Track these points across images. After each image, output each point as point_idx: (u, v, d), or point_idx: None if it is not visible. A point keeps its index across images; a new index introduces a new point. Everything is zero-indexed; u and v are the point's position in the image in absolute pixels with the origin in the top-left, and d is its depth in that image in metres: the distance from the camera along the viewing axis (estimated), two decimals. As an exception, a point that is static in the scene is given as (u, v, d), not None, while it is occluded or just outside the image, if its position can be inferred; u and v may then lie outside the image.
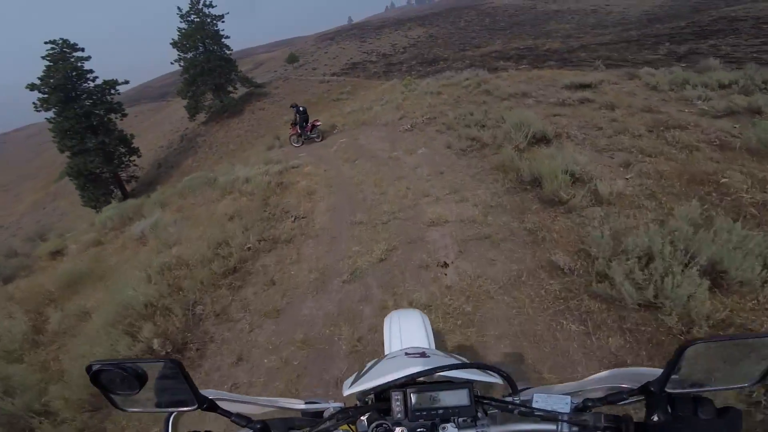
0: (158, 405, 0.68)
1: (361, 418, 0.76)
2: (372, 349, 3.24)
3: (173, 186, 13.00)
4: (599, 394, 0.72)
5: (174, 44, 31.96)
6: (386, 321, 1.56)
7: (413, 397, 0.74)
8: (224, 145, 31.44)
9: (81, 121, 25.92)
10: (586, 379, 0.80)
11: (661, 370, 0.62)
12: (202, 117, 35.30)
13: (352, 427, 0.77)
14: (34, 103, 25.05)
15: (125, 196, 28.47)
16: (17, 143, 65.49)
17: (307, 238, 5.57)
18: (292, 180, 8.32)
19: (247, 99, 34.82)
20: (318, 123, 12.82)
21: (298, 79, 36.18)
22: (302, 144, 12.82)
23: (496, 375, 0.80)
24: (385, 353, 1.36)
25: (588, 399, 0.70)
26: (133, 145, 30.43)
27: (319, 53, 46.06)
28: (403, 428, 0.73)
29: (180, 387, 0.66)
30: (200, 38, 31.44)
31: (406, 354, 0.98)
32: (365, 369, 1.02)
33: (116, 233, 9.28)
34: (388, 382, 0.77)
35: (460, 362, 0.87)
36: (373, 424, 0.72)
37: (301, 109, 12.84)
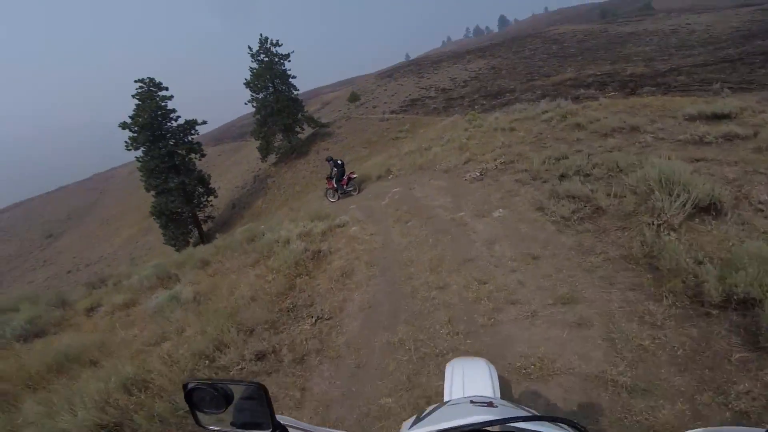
0: (237, 426, 0.69)
1: None
2: None
3: (224, 239, 11.92)
4: None
5: (246, 84, 32.55)
6: (448, 368, 1.42)
7: None
8: (291, 186, 31.35)
9: (165, 161, 26.52)
10: None
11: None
12: (273, 158, 35.79)
13: None
14: (126, 141, 26.20)
15: (201, 235, 29.02)
16: (121, 179, 72.06)
17: (324, 359, 3.60)
18: (332, 247, 6.51)
19: (313, 139, 34.91)
20: (354, 176, 11.91)
21: (359, 118, 35.79)
22: (338, 199, 11.82)
23: (570, 428, 0.71)
24: (445, 399, 1.23)
25: None
26: (210, 186, 31.05)
27: (379, 91, 45.82)
28: None
29: (260, 410, 0.67)
30: (269, 78, 31.81)
31: (471, 402, 0.89)
32: (425, 413, 0.93)
33: (149, 294, 8.07)
34: (451, 428, 0.70)
35: (533, 414, 0.77)
36: None
37: (339, 162, 12.06)
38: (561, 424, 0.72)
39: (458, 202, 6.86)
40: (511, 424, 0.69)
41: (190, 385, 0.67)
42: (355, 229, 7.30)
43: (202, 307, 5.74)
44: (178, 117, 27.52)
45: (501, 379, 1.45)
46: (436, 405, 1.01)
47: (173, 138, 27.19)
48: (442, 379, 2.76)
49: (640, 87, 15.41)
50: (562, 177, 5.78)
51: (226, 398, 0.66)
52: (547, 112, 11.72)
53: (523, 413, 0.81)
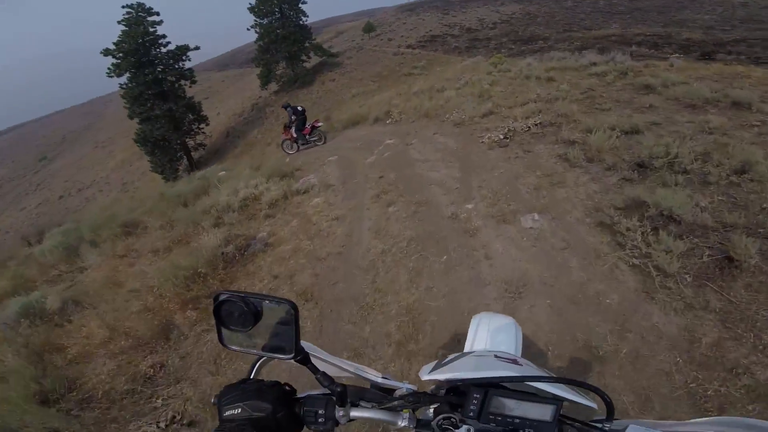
0: (259, 348, 0.64)
1: (429, 407, 0.70)
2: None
3: (179, 184, 9.74)
4: None
5: (251, 9, 28.95)
6: (474, 320, 1.29)
7: (494, 400, 0.64)
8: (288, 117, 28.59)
9: (151, 87, 24.35)
10: (698, 419, 0.64)
11: None
12: (275, 87, 32.63)
13: (415, 412, 0.70)
14: (108, 68, 23.65)
15: (191, 163, 27.12)
16: (119, 103, 68.48)
17: None
18: (272, 236, 4.38)
19: (319, 69, 31.40)
20: (319, 124, 9.95)
21: (371, 50, 31.88)
22: (297, 150, 9.92)
23: (589, 398, 0.68)
24: (465, 351, 1.13)
25: None
26: (202, 113, 28.55)
27: (398, 24, 40.84)
28: (470, 427, 0.64)
29: (286, 333, 0.62)
30: (276, 2, 27.93)
31: (496, 356, 0.83)
32: (447, 359, 0.86)
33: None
34: (475, 378, 0.67)
35: (559, 377, 0.66)
36: (441, 416, 0.65)
37: (299, 108, 9.98)
38: (588, 391, 0.65)
39: (468, 180, 4.59)
40: (531, 383, 0.63)
41: (222, 297, 0.59)
42: (318, 201, 5.11)
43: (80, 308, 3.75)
44: (168, 43, 24.90)
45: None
46: (458, 354, 0.91)
47: (161, 64, 24.78)
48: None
49: (713, 53, 12.05)
50: (641, 167, 3.45)
51: (255, 315, 0.59)
52: (596, 65, 8.88)
53: (546, 374, 0.72)
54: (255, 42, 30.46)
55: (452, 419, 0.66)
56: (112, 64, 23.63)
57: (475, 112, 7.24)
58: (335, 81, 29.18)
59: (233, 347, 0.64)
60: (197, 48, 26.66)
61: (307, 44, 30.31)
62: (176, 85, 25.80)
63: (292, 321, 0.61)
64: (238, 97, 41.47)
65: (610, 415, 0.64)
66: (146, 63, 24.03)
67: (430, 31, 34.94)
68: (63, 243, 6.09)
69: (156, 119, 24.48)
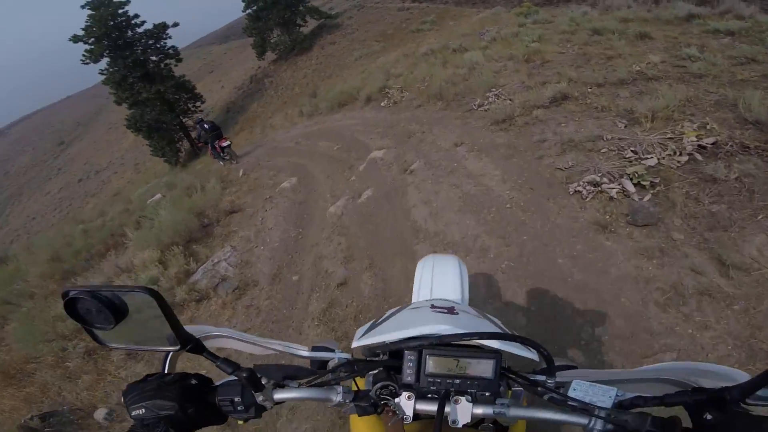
0: (139, 342, 0.55)
1: (369, 375, 0.58)
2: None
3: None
4: (656, 389, 0.52)
5: None
6: (419, 265, 1.16)
7: (430, 361, 0.53)
8: (289, 87, 25.13)
9: (133, 70, 21.10)
10: (643, 367, 0.55)
11: (743, 374, 0.46)
12: (273, 56, 28.44)
13: (360, 381, 0.60)
14: (83, 55, 20.31)
15: (193, 144, 24.35)
16: None
17: None
18: None
19: (318, 33, 26.94)
20: (225, 143, 7.60)
21: (374, 7, 26.93)
22: (225, 162, 7.73)
23: (532, 350, 0.56)
24: (412, 301, 1.02)
25: (640, 397, 0.48)
26: (196, 91, 25.10)
27: (401, -24, 34.91)
28: (410, 394, 0.53)
29: (162, 322, 0.50)
30: (261, -34, 23.42)
31: (432, 307, 0.69)
32: (383, 317, 0.73)
33: None
34: (401, 340, 0.55)
35: (492, 331, 0.57)
36: (378, 385, 0.54)
37: (206, 126, 7.95)
38: (518, 344, 0.55)
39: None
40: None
41: (72, 294, 0.47)
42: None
43: None
44: (144, 22, 21.38)
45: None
46: (396, 309, 0.78)
47: (140, 45, 21.38)
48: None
49: None
50: None
51: (115, 311, 0.47)
52: (699, 17, 4.98)
53: (486, 325, 0.63)
54: (243, 11, 25.96)
55: (390, 386, 0.54)
56: (86, 51, 20.49)
57: (530, 94, 3.75)
58: (336, 44, 24.87)
59: (113, 345, 0.53)
60: (177, 24, 22.80)
61: (301, 8, 25.66)
62: (161, 65, 22.42)
63: (158, 309, 0.48)
64: (240, 69, 37.41)
65: (551, 368, 0.55)
66: (123, 45, 20.80)
67: None
68: None
69: (146, 102, 21.36)
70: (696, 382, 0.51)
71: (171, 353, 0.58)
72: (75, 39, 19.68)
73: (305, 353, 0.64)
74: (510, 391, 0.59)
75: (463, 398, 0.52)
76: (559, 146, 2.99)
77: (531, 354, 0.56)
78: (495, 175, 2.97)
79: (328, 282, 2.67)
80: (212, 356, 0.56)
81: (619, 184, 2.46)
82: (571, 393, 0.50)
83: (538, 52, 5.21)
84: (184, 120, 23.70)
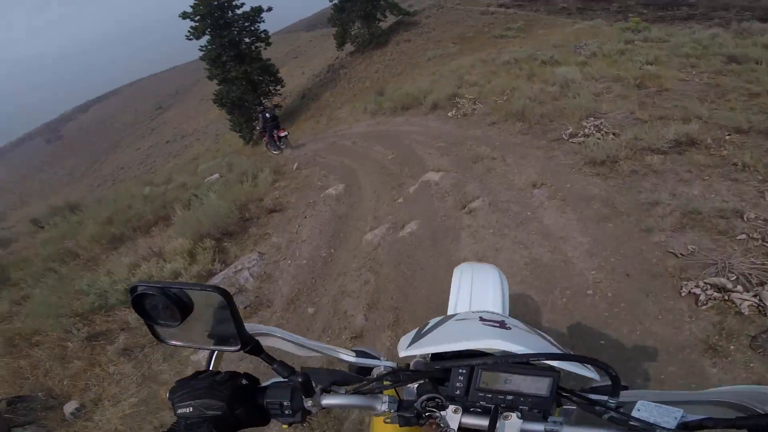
0: (198, 341, 0.52)
1: (412, 385, 0.55)
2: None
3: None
4: (718, 413, 0.49)
5: None
6: (456, 273, 1.10)
7: (482, 376, 0.50)
8: (361, 80, 25.18)
9: (228, 49, 22.19)
10: (708, 390, 0.52)
11: None
12: (351, 48, 28.83)
13: (399, 390, 0.58)
14: (188, 31, 21.98)
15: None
16: None
17: None
18: None
19: (395, 29, 26.61)
20: (283, 134, 8.06)
21: (454, 9, 25.88)
22: (279, 151, 8.07)
23: (590, 369, 0.53)
24: (449, 311, 0.97)
25: (710, 419, 0.46)
26: (278, 75, 26.29)
27: (488, -21, 33.32)
28: (457, 407, 0.51)
29: (226, 321, 0.48)
30: (352, -42, 23.59)
31: (481, 319, 0.64)
32: (427, 327, 0.68)
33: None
34: (457, 352, 0.53)
35: (558, 353, 0.53)
36: (424, 397, 0.51)
37: (267, 115, 8.52)
38: (592, 366, 0.51)
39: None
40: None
41: (140, 289, 0.46)
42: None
43: None
44: (243, 4, 22.31)
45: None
46: (440, 318, 0.73)
47: (237, 26, 22.42)
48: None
49: None
50: None
51: (182, 308, 0.46)
52: None
53: (540, 342, 0.58)
54: (330, 1, 25.87)
55: (437, 399, 0.51)
56: (191, 27, 21.90)
57: (642, 131, 2.97)
58: (411, 42, 24.36)
59: (173, 342, 0.51)
60: (270, 9, 23.85)
61: (382, 2, 25.33)
62: (252, 47, 23.45)
63: (226, 309, 0.47)
64: (321, 57, 38.51)
65: (616, 390, 0.50)
66: (223, 25, 21.89)
67: None
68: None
69: (233, 81, 22.52)
70: (757, 406, 0.48)
71: (216, 352, 0.56)
72: (184, 15, 21.27)
73: (351, 358, 0.63)
74: (559, 409, 0.54)
75: (513, 414, 0.50)
76: (677, 217, 2.17)
77: (591, 373, 0.53)
78: (579, 242, 2.24)
79: (343, 326, 2.20)
80: (269, 358, 0.54)
81: (755, 295, 1.65)
82: (635, 413, 0.47)
83: (655, 77, 4.21)
84: (263, 101, 24.96)
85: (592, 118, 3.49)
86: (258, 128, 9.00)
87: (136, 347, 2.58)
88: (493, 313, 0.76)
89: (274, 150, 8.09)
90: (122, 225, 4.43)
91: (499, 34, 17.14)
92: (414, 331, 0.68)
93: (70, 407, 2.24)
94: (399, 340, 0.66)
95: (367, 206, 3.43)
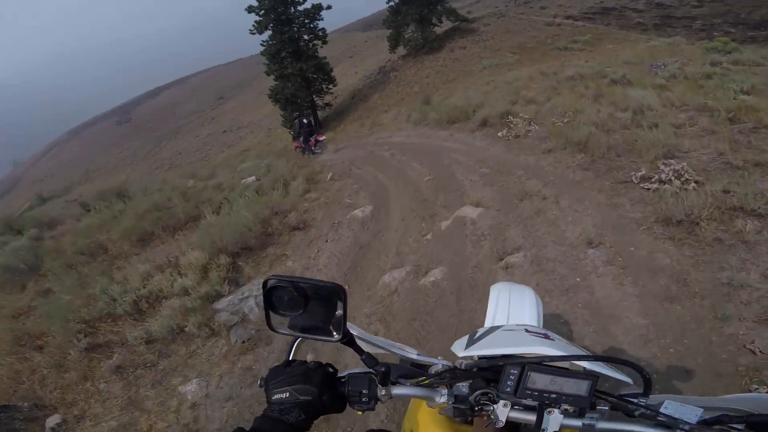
0: (307, 331, 0.58)
1: (463, 382, 0.62)
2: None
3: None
4: (738, 414, 0.55)
5: None
6: (493, 290, 1.16)
7: (531, 376, 0.57)
8: (410, 85, 24.92)
9: (287, 46, 22.64)
10: (731, 395, 0.60)
11: None
12: (403, 51, 28.63)
13: (451, 388, 0.63)
14: (253, 24, 22.83)
15: (316, 122, 26.20)
16: None
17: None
18: None
19: (451, 35, 25.95)
20: (321, 138, 8.62)
21: (517, 18, 24.70)
22: (314, 155, 8.42)
23: (624, 373, 0.60)
24: (486, 324, 1.02)
25: (726, 415, 0.54)
26: (331, 74, 26.66)
27: (557, -9, 31.55)
28: (507, 402, 0.58)
29: (333, 316, 0.56)
30: (411, -40, 23.32)
31: (527, 331, 0.74)
32: (478, 335, 0.77)
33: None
34: (515, 355, 0.61)
35: (597, 355, 0.65)
36: (479, 391, 0.59)
37: (303, 122, 8.97)
38: (621, 369, 0.60)
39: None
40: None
41: (271, 282, 0.54)
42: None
43: None
44: (304, 1, 22.69)
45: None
46: (487, 328, 0.80)
47: (296, 23, 22.79)
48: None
49: None
50: None
51: (305, 299, 0.54)
52: None
53: (580, 351, 0.64)
54: (386, 2, 25.63)
55: (489, 394, 0.59)
56: (255, 22, 22.34)
57: (733, 180, 2.49)
58: (466, 49, 23.61)
59: (282, 331, 0.58)
60: (329, 7, 24.26)
61: (439, 7, 24.61)
62: (309, 45, 23.72)
63: (341, 303, 0.55)
64: (374, 59, 38.71)
65: (647, 390, 0.58)
66: (284, 21, 22.29)
67: (602, 1, 25.77)
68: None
69: (288, 77, 22.87)
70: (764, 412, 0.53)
71: (297, 342, 0.69)
72: (249, 9, 21.97)
73: (413, 356, 0.71)
74: (596, 407, 0.60)
75: (556, 410, 0.56)
76: (765, 306, 1.63)
77: (626, 378, 0.58)
78: (635, 325, 1.77)
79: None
80: (359, 350, 0.61)
81: None
82: (662, 410, 0.54)
83: (752, 110, 3.47)
84: (315, 99, 25.39)
85: (672, 160, 2.87)
86: (292, 133, 9.65)
87: (130, 366, 2.45)
88: (536, 327, 0.83)
89: (310, 153, 8.42)
90: (154, 223, 4.45)
91: (563, 46, 16.11)
92: (466, 337, 0.74)
93: (51, 421, 2.15)
94: (452, 344, 0.71)
95: (391, 238, 3.09)
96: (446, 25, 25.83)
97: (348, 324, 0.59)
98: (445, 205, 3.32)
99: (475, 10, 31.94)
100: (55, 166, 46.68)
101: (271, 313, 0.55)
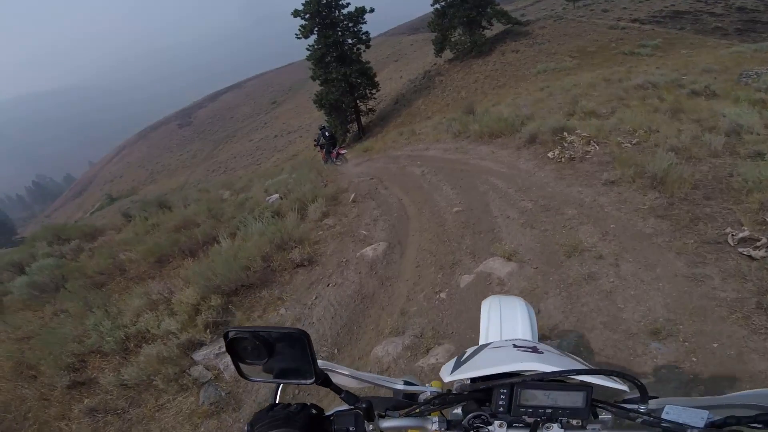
0: (279, 376, 0.58)
1: (455, 407, 0.65)
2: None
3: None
4: (747, 413, 0.51)
5: None
6: (484, 306, 1.16)
7: (522, 394, 0.56)
8: (456, 90, 24.02)
9: (331, 49, 22.60)
10: (734, 393, 0.57)
11: None
12: (450, 54, 27.70)
13: (444, 413, 0.65)
14: (299, 28, 23.17)
15: (360, 127, 26.14)
16: None
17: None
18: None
19: (502, 38, 24.58)
20: (343, 152, 9.03)
21: (576, 20, 22.74)
22: (335, 165, 8.63)
23: (619, 381, 0.59)
24: (481, 341, 1.03)
25: (733, 416, 0.50)
26: (375, 79, 26.56)
27: (620, -7, 28.79)
28: (502, 422, 0.57)
29: (302, 358, 0.55)
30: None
31: (515, 346, 0.73)
32: (465, 355, 0.77)
33: None
34: (498, 374, 0.60)
35: (586, 368, 0.60)
36: (471, 415, 0.58)
37: (326, 134, 9.30)
38: (619, 378, 0.58)
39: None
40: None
41: (231, 334, 0.54)
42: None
43: None
44: (348, 4, 22.51)
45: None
46: (476, 347, 0.80)
47: (340, 27, 22.69)
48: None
49: None
50: None
51: (268, 347, 0.54)
52: None
53: (572, 362, 0.65)
54: (431, 5, 24.59)
55: (482, 416, 0.58)
56: (301, 26, 22.31)
57: None
58: (518, 53, 22.22)
59: (254, 378, 0.58)
60: (372, 10, 23.95)
61: (489, 9, 23.25)
62: (354, 49, 23.57)
63: (305, 347, 0.54)
64: (419, 62, 38.09)
65: (644, 396, 0.57)
66: (329, 25, 22.13)
67: (673, 4, 23.04)
68: None
69: (333, 82, 22.86)
70: None
71: (281, 386, 0.65)
72: (295, 13, 22.11)
73: (401, 387, 0.69)
74: (597, 417, 0.59)
75: (554, 425, 0.55)
76: None
77: (620, 385, 0.58)
78: None
79: None
80: (337, 389, 0.60)
81: None
82: (664, 416, 0.52)
83: None
84: (359, 104, 25.34)
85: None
86: (317, 143, 9.79)
87: (102, 411, 2.24)
88: (525, 340, 0.84)
89: (332, 163, 8.80)
90: (172, 244, 4.32)
91: (629, 51, 14.47)
92: (453, 360, 0.74)
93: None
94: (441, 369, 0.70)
95: (400, 289, 2.58)
96: (497, 28, 24.56)
97: (323, 362, 0.59)
98: (471, 251, 2.75)
99: (529, 13, 30.17)
100: (124, 167, 51.67)
101: (239, 364, 0.55)
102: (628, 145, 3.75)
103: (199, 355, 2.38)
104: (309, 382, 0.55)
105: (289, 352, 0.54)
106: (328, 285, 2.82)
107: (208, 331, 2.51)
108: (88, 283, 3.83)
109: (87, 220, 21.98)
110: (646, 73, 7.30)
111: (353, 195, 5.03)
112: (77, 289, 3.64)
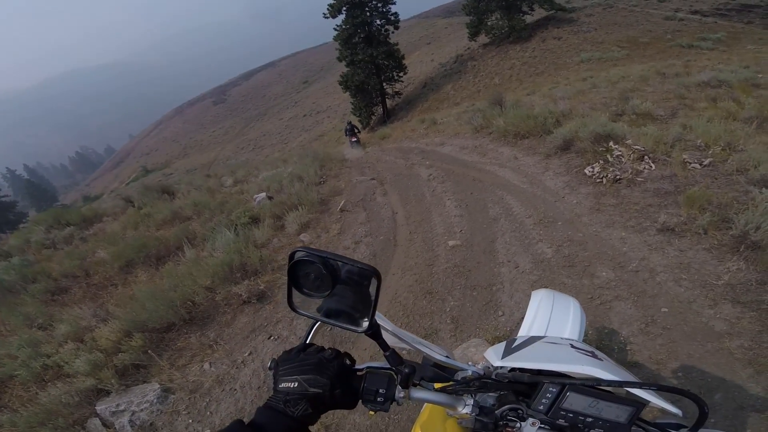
0: (329, 316, 0.49)
1: (491, 393, 0.55)
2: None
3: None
4: None
5: None
6: (535, 296, 1.04)
7: (570, 397, 0.51)
8: (489, 76, 22.27)
9: (359, 30, 21.42)
10: None
11: None
12: (485, 39, 25.75)
13: (476, 397, 0.56)
14: (327, 7, 22.06)
15: (385, 111, 25.02)
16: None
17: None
18: None
19: (544, 24, 22.31)
20: (354, 139, 10.99)
21: (628, 9, 20.09)
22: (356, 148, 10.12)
23: (675, 405, 0.51)
24: (522, 332, 0.93)
25: None
26: (402, 61, 25.15)
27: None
28: (537, 421, 0.52)
29: (363, 302, 0.48)
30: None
31: (573, 347, 0.64)
32: (516, 343, 0.67)
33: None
34: (557, 372, 0.53)
35: (652, 383, 0.59)
36: (507, 406, 0.53)
37: (348, 127, 11.79)
38: (684, 397, 0.50)
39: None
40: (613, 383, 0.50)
41: (299, 255, 0.46)
42: None
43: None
44: None
45: None
46: (526, 337, 0.70)
47: (369, 7, 21.33)
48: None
49: None
50: None
51: (333, 279, 0.46)
52: None
53: (630, 375, 0.55)
54: None
55: (519, 411, 0.52)
56: (329, 5, 21.13)
57: None
58: (561, 40, 20.13)
59: (302, 312, 0.50)
60: None
61: (529, -7, 21.68)
62: (382, 29, 22.16)
63: (373, 291, 0.47)
64: (452, 46, 35.83)
65: (700, 423, 0.50)
66: (357, 4, 20.85)
67: None
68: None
69: (359, 64, 21.77)
70: None
71: (318, 324, 0.57)
72: None
73: (442, 358, 0.61)
74: None
75: None
76: None
77: (675, 409, 0.51)
78: None
79: None
80: (384, 345, 0.53)
81: None
82: None
83: None
84: (385, 87, 24.02)
85: None
86: (345, 133, 11.87)
87: None
88: (582, 343, 0.74)
89: (353, 148, 10.27)
90: (138, 251, 3.77)
91: (687, 44, 12.46)
92: (503, 344, 0.66)
93: None
94: (486, 350, 0.63)
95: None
96: (538, 14, 22.20)
97: (376, 314, 0.51)
98: (456, 317, 1.97)
99: (575, 0, 27.19)
100: (160, 141, 53.02)
101: (294, 291, 0.48)
102: (697, 166, 2.75)
103: (101, 405, 1.80)
104: (361, 330, 0.48)
105: (351, 292, 0.47)
106: (270, 337, 2.15)
107: (119, 376, 1.94)
108: (52, 287, 3.39)
109: (122, 190, 22.58)
110: (713, 70, 5.91)
111: (343, 202, 4.29)
112: (33, 293, 3.20)
